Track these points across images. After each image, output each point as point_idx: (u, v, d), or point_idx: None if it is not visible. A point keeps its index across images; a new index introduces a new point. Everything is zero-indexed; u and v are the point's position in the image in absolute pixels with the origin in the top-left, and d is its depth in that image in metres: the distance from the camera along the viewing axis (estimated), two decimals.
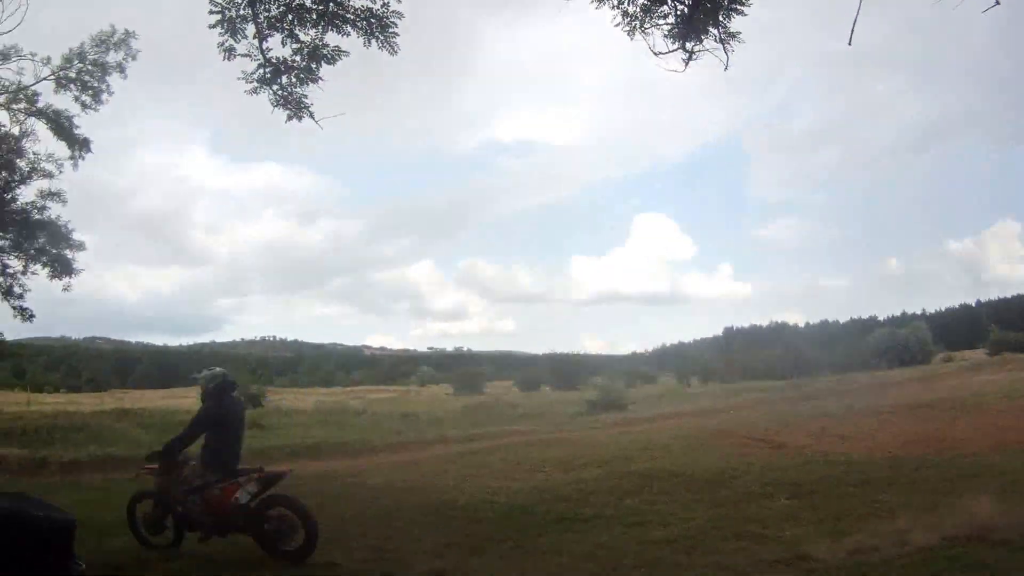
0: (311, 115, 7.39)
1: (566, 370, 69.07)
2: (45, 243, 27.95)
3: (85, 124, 27.28)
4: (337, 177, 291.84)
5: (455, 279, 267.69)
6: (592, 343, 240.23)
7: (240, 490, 8.57)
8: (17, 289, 27.81)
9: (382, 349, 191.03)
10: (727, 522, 9.77)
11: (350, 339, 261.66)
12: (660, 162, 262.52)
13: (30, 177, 27.47)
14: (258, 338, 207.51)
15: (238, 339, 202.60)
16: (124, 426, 30.77)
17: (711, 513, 10.58)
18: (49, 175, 27.49)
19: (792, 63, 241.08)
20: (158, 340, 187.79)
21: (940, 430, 19.29)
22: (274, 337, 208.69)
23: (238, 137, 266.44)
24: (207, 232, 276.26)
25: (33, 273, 27.94)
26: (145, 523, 9.07)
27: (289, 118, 7.38)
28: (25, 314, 28.03)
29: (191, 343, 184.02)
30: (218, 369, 9.45)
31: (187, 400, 53.60)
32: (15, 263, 27.94)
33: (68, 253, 28.11)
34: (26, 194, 27.78)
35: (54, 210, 27.85)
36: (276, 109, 7.35)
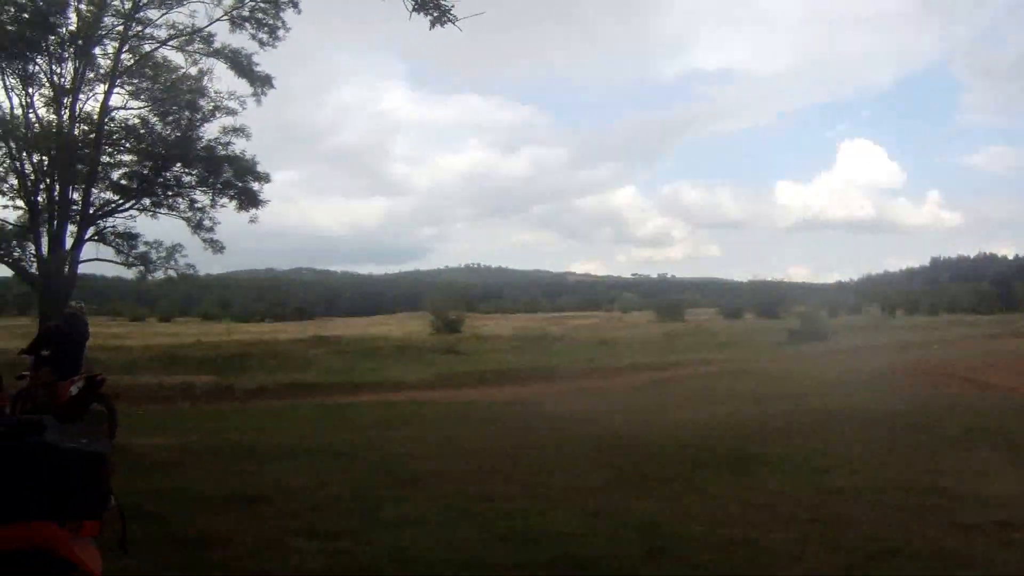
0: (453, 19, 6.91)
1: (769, 298, 67.40)
2: (231, 177, 28.54)
3: (273, 62, 27.52)
4: (540, 106, 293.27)
5: (658, 205, 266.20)
6: (797, 270, 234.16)
7: (73, 385, 11.74)
8: (207, 223, 28.55)
9: (586, 276, 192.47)
10: (920, 474, 8.83)
11: (554, 266, 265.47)
12: (866, 88, 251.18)
13: (213, 115, 27.99)
14: (462, 265, 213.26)
15: (442, 267, 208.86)
16: (318, 353, 32.04)
17: (904, 461, 9.65)
18: (232, 112, 27.92)
19: None
20: (363, 270, 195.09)
21: None
22: (478, 264, 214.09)
23: (437, 70, 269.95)
24: (409, 164, 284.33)
25: (221, 206, 28.70)
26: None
27: (432, 24, 6.94)
28: (216, 246, 28.65)
29: (395, 271, 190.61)
30: (74, 303, 14.37)
31: (386, 327, 55.32)
32: (203, 198, 28.72)
33: (254, 185, 28.58)
34: (210, 131, 28.43)
35: (238, 145, 28.36)
36: (414, 14, 6.91)
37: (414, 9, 6.83)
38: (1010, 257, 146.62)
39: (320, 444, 11.73)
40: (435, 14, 6.87)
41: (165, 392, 21.55)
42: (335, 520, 6.85)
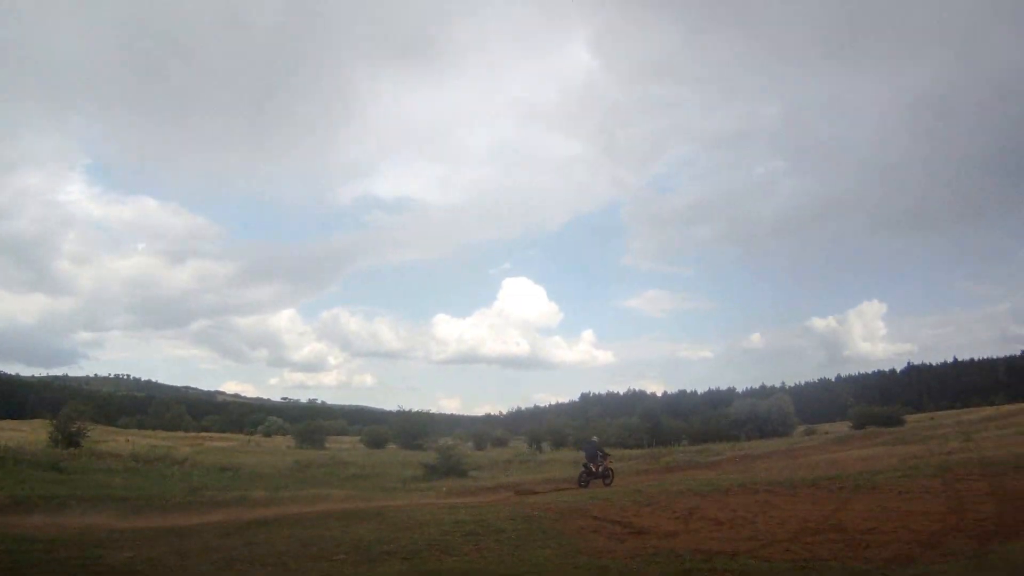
0: None
1: (414, 428, 65.43)
2: None
3: None
4: (213, 218, 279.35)
5: (317, 330, 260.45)
6: (448, 402, 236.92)
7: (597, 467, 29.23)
8: None
9: (236, 396, 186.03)
10: None
11: (206, 383, 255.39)
12: (536, 228, 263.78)
13: None
14: (112, 375, 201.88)
15: (92, 375, 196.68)
16: None
17: None
18: None
19: (678, 140, 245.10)
20: (10, 369, 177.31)
21: (834, 515, 15.36)
22: (128, 376, 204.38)
23: (119, 166, 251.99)
24: (76, 263, 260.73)
25: None
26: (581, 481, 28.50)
27: None
28: None
29: (44, 375, 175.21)
30: (595, 438, 33.38)
31: (12, 433, 47.58)
32: None
33: None
34: None
35: None
36: None
37: None
38: (659, 393, 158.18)
39: None
40: None
41: None
42: None
